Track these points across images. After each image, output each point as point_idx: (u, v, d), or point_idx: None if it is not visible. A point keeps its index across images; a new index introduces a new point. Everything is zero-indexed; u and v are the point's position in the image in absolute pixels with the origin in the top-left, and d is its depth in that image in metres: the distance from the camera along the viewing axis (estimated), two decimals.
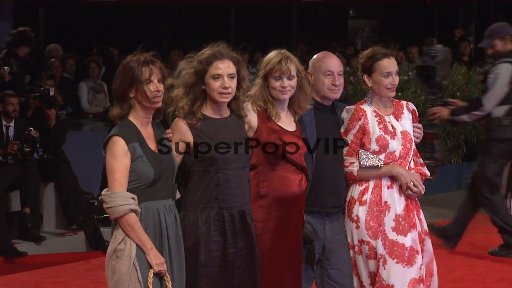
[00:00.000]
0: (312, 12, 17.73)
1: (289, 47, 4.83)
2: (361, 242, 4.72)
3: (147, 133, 4.06)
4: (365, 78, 4.81)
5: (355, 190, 4.77)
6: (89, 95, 11.21)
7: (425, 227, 4.85)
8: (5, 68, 9.01)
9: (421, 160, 4.89)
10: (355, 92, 9.71)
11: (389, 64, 4.75)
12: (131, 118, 4.03)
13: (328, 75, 4.72)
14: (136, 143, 3.96)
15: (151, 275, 3.92)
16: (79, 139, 9.77)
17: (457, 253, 7.52)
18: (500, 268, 7.04)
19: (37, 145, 8.36)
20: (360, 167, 4.72)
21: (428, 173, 4.87)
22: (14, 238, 8.14)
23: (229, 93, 4.25)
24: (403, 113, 4.85)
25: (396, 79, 4.76)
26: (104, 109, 10.98)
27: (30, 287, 6.93)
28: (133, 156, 3.94)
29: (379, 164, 4.70)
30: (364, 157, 4.71)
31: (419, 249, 4.74)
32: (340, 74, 4.76)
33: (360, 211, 4.72)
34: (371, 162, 4.70)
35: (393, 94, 4.80)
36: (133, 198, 3.91)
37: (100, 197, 3.96)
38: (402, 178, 4.72)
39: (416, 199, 4.82)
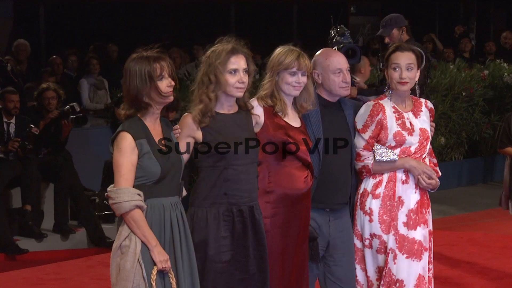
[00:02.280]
0: (312, 8, 17.71)
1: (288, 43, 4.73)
2: (373, 235, 4.69)
3: (155, 129, 4.04)
4: (385, 73, 4.77)
5: (368, 183, 4.74)
6: (90, 92, 11.19)
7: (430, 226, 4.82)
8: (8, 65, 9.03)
9: (435, 160, 4.86)
10: None
11: (398, 57, 4.68)
12: (139, 114, 4.02)
13: (338, 73, 4.71)
14: (143, 139, 3.94)
15: (154, 272, 3.91)
16: (80, 136, 9.77)
17: (457, 250, 7.54)
18: (499, 265, 7.05)
19: (41, 144, 8.38)
20: (375, 161, 4.70)
21: (440, 173, 4.82)
22: (15, 235, 8.16)
23: (245, 87, 4.27)
24: (422, 110, 4.81)
25: (405, 74, 4.65)
26: (105, 105, 10.98)
27: (31, 284, 6.93)
28: (140, 153, 3.93)
29: (394, 158, 4.67)
30: (380, 152, 4.67)
31: (427, 246, 4.71)
32: (348, 70, 4.76)
33: (373, 204, 4.68)
34: (387, 157, 4.66)
35: (404, 88, 4.69)
36: (139, 195, 3.89)
37: (106, 193, 3.95)
38: (415, 171, 4.68)
39: (428, 196, 4.77)
